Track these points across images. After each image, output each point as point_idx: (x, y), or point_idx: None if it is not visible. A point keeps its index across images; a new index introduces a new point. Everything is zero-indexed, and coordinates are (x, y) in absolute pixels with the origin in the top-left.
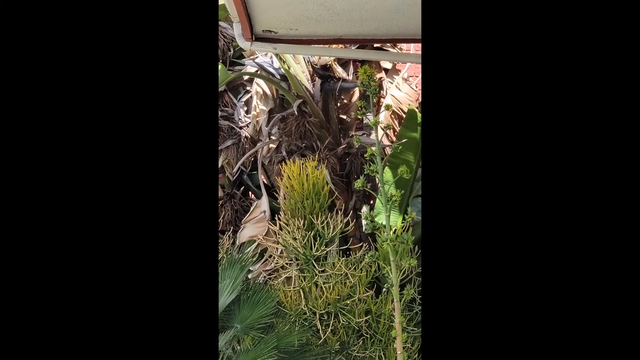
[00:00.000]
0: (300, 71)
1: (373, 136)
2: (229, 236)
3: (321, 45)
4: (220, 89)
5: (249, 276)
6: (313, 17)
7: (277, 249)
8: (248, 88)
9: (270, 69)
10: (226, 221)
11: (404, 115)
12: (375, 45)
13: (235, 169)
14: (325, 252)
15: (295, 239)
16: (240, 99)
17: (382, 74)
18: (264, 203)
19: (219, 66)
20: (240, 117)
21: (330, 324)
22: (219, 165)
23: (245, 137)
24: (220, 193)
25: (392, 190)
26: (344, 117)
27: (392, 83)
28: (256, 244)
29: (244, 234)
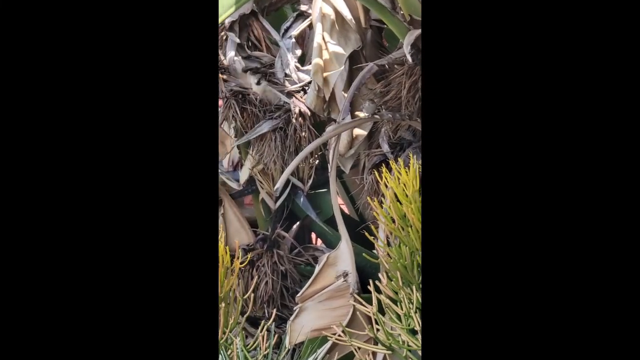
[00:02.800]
0: None
1: None
2: (268, 328)
3: None
4: (240, 11)
5: None
6: None
7: (372, 355)
8: (303, 7)
9: None
10: (262, 296)
11: None
12: None
13: (278, 184)
14: None
15: (411, 330)
16: (286, 31)
17: None
18: (343, 255)
19: None
20: (288, 72)
21: None
22: (246, 174)
23: (301, 113)
24: (248, 238)
25: None
26: None
27: None
28: (328, 345)
29: (302, 324)
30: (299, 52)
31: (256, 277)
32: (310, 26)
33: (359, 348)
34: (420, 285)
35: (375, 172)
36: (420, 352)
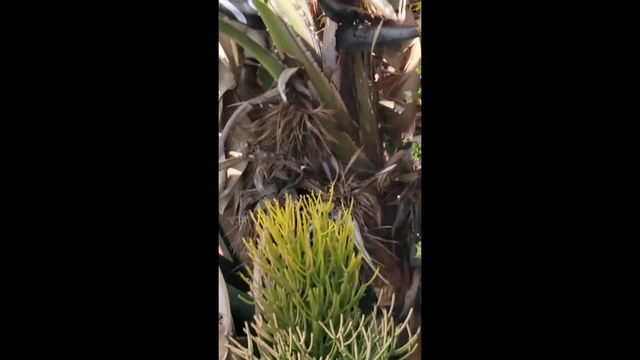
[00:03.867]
0: (292, 6)
1: None
2: None
3: None
4: None
5: None
6: None
7: None
8: None
9: (231, 7)
10: None
11: None
12: None
13: None
14: None
15: None
16: None
17: None
18: (220, 299)
19: None
20: None
21: None
22: None
23: None
24: None
25: None
26: (388, 103)
27: None
28: None
29: None
30: None
31: None
32: None
33: None
34: (297, 327)
35: (250, 213)
36: None
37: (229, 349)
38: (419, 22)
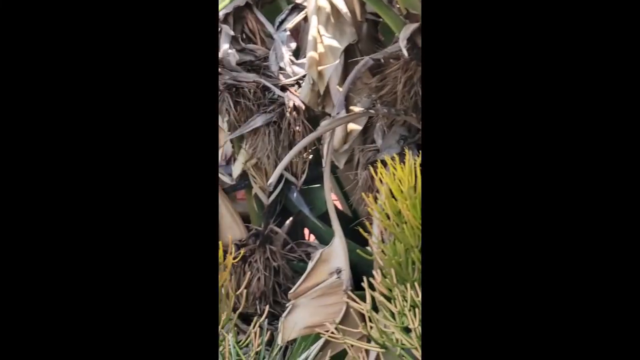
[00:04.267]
0: None
1: None
2: (260, 325)
3: None
4: (235, 3)
5: None
6: None
7: (366, 353)
8: (298, 0)
9: None
10: (255, 292)
11: None
12: None
13: (271, 179)
14: None
15: (404, 328)
16: (281, 24)
17: None
18: (336, 251)
19: None
20: (282, 65)
21: None
22: (239, 168)
23: (295, 107)
24: (241, 233)
25: None
26: None
27: None
28: (321, 342)
29: (294, 321)
30: (293, 45)
31: (248, 273)
32: (305, 19)
33: (352, 346)
34: (415, 283)
35: (370, 168)
36: (414, 351)
37: (347, 303)
38: None
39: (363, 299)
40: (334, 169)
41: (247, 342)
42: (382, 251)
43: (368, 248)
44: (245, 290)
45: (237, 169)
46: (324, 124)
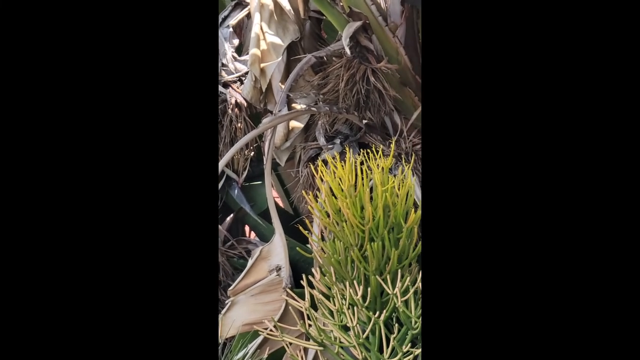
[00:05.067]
0: None
1: None
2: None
3: None
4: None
5: None
6: None
7: (304, 351)
8: None
9: None
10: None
11: None
12: None
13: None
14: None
15: (343, 326)
16: (224, 20)
17: None
18: (276, 248)
19: None
20: (224, 61)
21: None
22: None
23: (237, 104)
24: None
25: None
26: None
27: None
28: (260, 340)
29: (233, 318)
30: (236, 41)
31: None
32: (249, 16)
33: (291, 344)
34: (354, 282)
35: (311, 166)
36: (352, 349)
37: (286, 301)
38: None
39: (302, 296)
40: (275, 166)
41: None
42: (322, 249)
43: (308, 246)
44: None
45: None
46: (265, 121)
